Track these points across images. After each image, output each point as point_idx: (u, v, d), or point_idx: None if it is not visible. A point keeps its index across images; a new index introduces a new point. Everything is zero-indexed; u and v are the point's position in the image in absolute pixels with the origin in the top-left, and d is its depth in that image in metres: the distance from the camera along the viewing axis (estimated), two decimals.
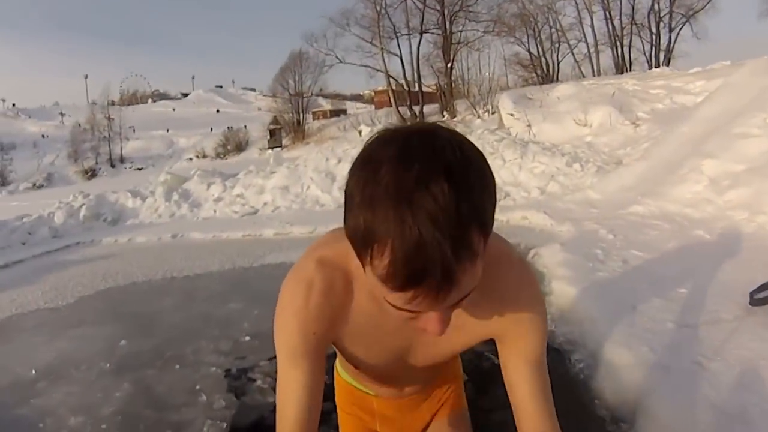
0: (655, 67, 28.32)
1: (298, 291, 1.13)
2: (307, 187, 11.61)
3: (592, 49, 34.99)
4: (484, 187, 0.83)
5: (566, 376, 3.30)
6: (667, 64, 29.76)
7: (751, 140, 6.43)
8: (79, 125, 47.92)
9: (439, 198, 0.76)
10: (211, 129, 52.18)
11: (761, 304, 3.23)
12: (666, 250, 5.03)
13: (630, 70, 30.93)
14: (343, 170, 12.07)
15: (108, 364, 4.15)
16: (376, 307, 1.10)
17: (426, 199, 0.76)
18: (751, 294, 3.33)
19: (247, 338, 4.39)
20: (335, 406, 1.79)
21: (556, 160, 10.21)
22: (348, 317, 1.16)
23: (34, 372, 4.11)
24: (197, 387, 3.61)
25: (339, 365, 1.70)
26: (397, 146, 0.82)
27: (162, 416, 3.30)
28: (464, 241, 0.79)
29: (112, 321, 5.26)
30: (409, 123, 0.95)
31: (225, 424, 3.14)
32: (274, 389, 3.45)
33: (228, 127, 49.89)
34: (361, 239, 0.82)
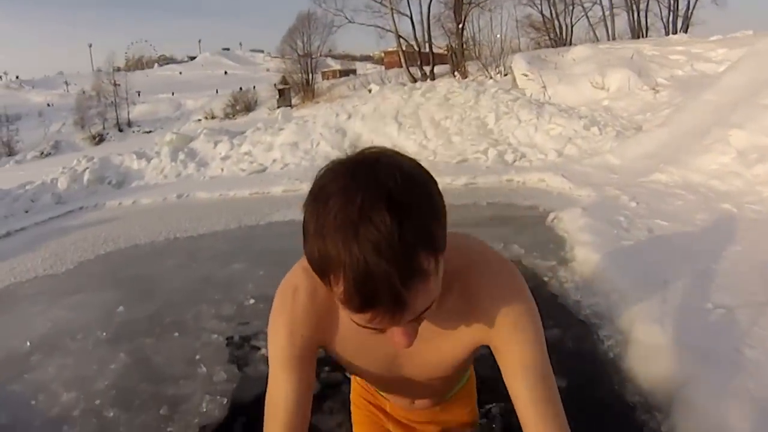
0: (673, 33, 27.59)
1: (285, 296, 1.19)
2: (317, 143, 11.29)
3: (607, 13, 33.80)
4: (430, 207, 0.88)
5: (594, 353, 3.06)
6: (685, 31, 28.83)
7: None
8: (83, 92, 47.36)
9: (381, 228, 0.81)
10: (217, 91, 51.53)
11: None
12: (693, 223, 4.71)
13: (646, 36, 30.09)
14: (354, 126, 11.79)
15: (104, 333, 3.92)
16: None
17: (370, 230, 0.81)
18: None
19: (252, 301, 4.17)
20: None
21: (573, 123, 9.84)
22: (334, 323, 1.20)
23: (28, 344, 3.88)
24: (197, 357, 3.38)
25: None
26: (344, 178, 0.87)
27: (158, 390, 3.06)
28: (411, 265, 0.84)
29: (111, 286, 5.02)
30: (356, 151, 0.98)
31: (225, 400, 2.91)
32: None
33: (240, 88, 49.34)
34: (318, 267, 0.88)
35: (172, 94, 54.10)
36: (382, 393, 1.64)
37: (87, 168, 11.05)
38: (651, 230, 4.56)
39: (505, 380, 1.15)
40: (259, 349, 3.39)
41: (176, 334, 3.74)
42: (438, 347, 1.22)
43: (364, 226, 0.81)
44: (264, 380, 2.90)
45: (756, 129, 5.99)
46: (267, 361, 3.10)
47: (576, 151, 8.92)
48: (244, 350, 3.42)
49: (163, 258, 5.76)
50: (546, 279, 4.10)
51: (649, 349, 2.79)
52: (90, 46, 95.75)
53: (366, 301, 0.84)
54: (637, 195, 5.68)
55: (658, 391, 2.56)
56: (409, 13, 34.57)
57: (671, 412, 2.39)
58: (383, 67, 49.04)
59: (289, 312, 1.17)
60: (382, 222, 0.81)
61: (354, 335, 1.17)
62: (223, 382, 3.06)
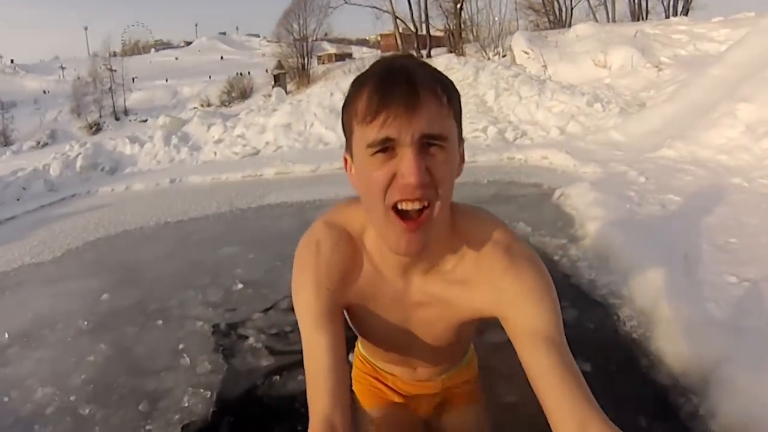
0: (673, 16, 27.11)
1: (308, 251, 1.22)
2: (311, 124, 11.11)
3: None
4: (451, 83, 1.07)
5: (615, 336, 2.80)
6: (686, 14, 28.62)
7: None
8: (78, 78, 46.44)
9: (409, 60, 1.04)
10: (210, 77, 50.85)
11: None
12: (706, 197, 4.55)
13: (646, 19, 29.72)
14: None
15: (86, 323, 3.64)
16: (377, 274, 1.23)
17: (399, 60, 1.04)
18: None
19: (240, 286, 3.91)
20: None
21: (575, 99, 9.61)
22: (355, 277, 1.23)
23: (6, 336, 3.59)
24: (180, 347, 3.11)
25: (359, 341, 1.70)
26: (379, 63, 1.06)
27: (138, 384, 2.79)
28: (430, 79, 1.00)
29: (97, 273, 4.74)
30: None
31: (209, 393, 2.63)
32: (267, 348, 3.00)
33: (237, 73, 48.71)
34: (349, 101, 1.06)
35: (166, 80, 53.31)
36: (383, 368, 1.65)
37: (80, 154, 10.78)
38: (664, 205, 4.41)
39: (518, 351, 1.09)
40: (246, 338, 3.12)
41: (160, 322, 3.47)
42: (448, 308, 1.22)
43: (395, 60, 1.04)
44: (252, 375, 2.70)
45: (764, 102, 5.91)
46: (255, 352, 2.84)
47: (579, 129, 8.72)
48: (231, 339, 3.15)
49: (152, 243, 5.53)
50: (557, 258, 3.86)
51: (676, 327, 2.58)
52: (86, 29, 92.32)
53: (383, 89, 0.97)
54: (646, 171, 5.54)
55: (691, 372, 2.34)
56: None
57: (708, 394, 2.18)
58: (379, 51, 48.51)
59: (313, 266, 1.20)
60: (412, 59, 1.06)
61: (369, 294, 1.24)
62: (207, 374, 2.79)
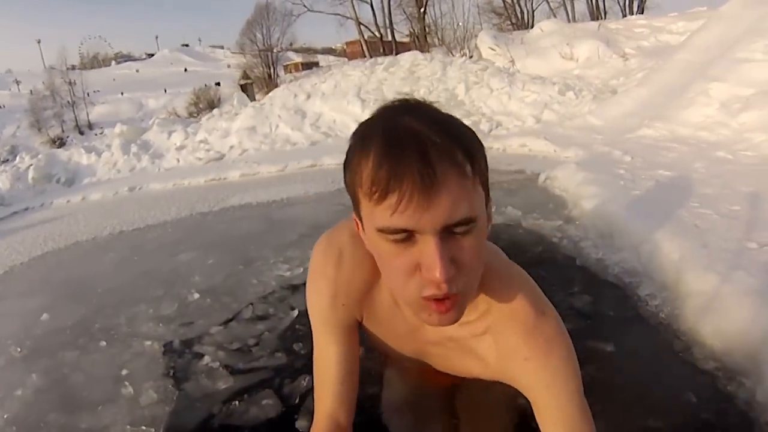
0: (630, 14, 28.00)
1: (329, 258, 1.15)
2: (276, 126, 10.74)
3: None
4: (467, 128, 0.90)
5: (639, 319, 2.39)
6: (641, 12, 29.57)
7: (755, 65, 6.26)
8: (31, 92, 44.91)
9: (418, 115, 0.87)
10: (165, 90, 50.06)
11: None
12: (695, 171, 4.42)
13: (605, 18, 30.32)
14: (314, 106, 11.26)
15: (19, 349, 3.05)
16: (394, 305, 1.14)
17: (406, 119, 0.85)
18: None
19: (197, 296, 3.37)
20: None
21: (547, 89, 9.40)
22: (373, 297, 1.16)
23: None
24: (123, 372, 2.53)
25: None
26: (384, 119, 0.89)
27: (70, 422, 2.22)
28: (447, 145, 0.82)
29: (39, 291, 4.17)
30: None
31: (152, 431, 2.08)
32: (226, 368, 2.44)
33: (205, 85, 47.96)
34: (353, 166, 0.88)
35: (122, 93, 52.03)
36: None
37: (31, 165, 10.08)
38: (657, 180, 4.25)
39: (539, 423, 1.05)
40: (202, 356, 2.57)
41: (103, 343, 2.90)
42: (466, 354, 1.15)
43: (403, 117, 0.86)
44: (209, 401, 2.15)
45: (735, 81, 6.20)
46: (213, 374, 2.27)
47: (554, 116, 8.51)
48: (184, 359, 2.60)
49: (104, 254, 4.94)
50: (556, 240, 3.50)
51: (708, 301, 2.25)
52: (39, 42, 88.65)
53: (395, 170, 0.80)
54: (630, 150, 5.46)
55: (736, 351, 1.97)
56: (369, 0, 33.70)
57: (765, 376, 1.77)
58: (346, 59, 48.34)
59: (332, 277, 1.15)
60: (422, 113, 0.88)
61: (385, 319, 1.17)
62: (152, 405, 2.23)
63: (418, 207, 0.79)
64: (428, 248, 0.82)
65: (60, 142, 41.57)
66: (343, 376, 1.12)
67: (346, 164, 0.91)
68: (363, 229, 0.95)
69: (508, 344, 1.07)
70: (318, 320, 1.17)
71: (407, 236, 0.84)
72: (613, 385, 1.87)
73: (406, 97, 0.92)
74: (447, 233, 0.83)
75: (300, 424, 1.94)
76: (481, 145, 0.90)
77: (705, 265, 2.50)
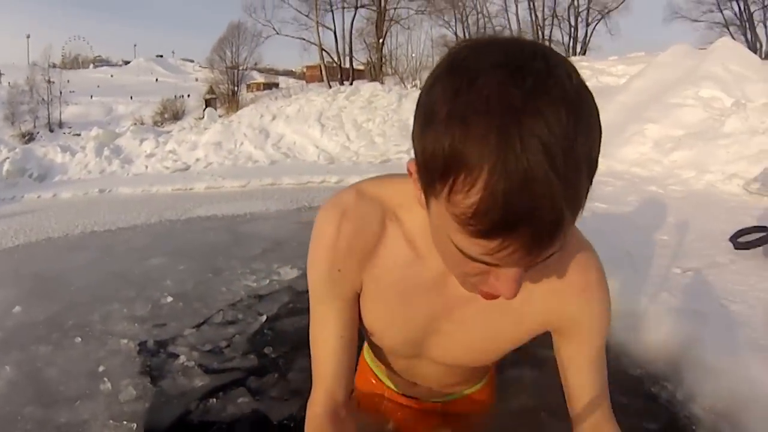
0: (573, 55, 29.27)
1: (331, 217, 0.91)
2: (241, 143, 10.69)
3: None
4: (598, 130, 0.59)
5: None
6: (584, 53, 31.02)
7: (686, 109, 6.55)
8: (10, 85, 43.12)
9: (555, 128, 0.53)
10: (131, 97, 48.94)
11: (746, 248, 3.04)
12: (628, 203, 4.62)
13: None
14: (278, 127, 11.24)
15: None
16: (413, 254, 0.89)
17: (540, 124, 0.52)
18: (732, 240, 3.14)
19: (169, 299, 3.32)
20: None
21: None
22: (377, 259, 0.91)
23: None
24: (100, 369, 2.47)
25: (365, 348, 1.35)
26: (503, 54, 0.56)
27: (48, 415, 2.14)
28: (576, 186, 0.56)
29: (10, 284, 3.96)
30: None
31: (134, 425, 2.03)
32: (201, 367, 2.43)
33: (174, 96, 47.08)
34: (442, 164, 0.57)
35: (92, 97, 50.43)
36: (388, 383, 1.30)
37: (7, 158, 9.71)
38: (593, 212, 4.35)
39: (561, 366, 0.97)
40: (177, 356, 2.54)
41: (78, 339, 2.82)
42: (497, 311, 0.91)
43: (531, 117, 0.52)
44: (184, 398, 2.12)
45: (668, 123, 6.50)
46: (188, 372, 2.25)
47: None
48: (159, 358, 2.56)
49: (76, 252, 4.77)
50: None
51: (636, 319, 2.48)
52: (28, 37, 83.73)
53: (510, 221, 0.55)
54: None
55: (659, 360, 2.22)
56: (333, 27, 33.95)
57: (683, 379, 2.05)
58: (305, 82, 48.21)
59: (331, 237, 0.91)
60: (558, 121, 0.53)
61: (394, 282, 0.92)
62: (131, 401, 2.19)
63: (523, 257, 0.60)
64: (505, 275, 0.66)
65: (29, 137, 39.91)
66: (341, 352, 0.97)
67: (427, 134, 0.59)
68: (427, 208, 0.67)
69: (561, 274, 0.89)
70: (314, 290, 0.99)
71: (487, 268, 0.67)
72: (549, 386, 1.95)
73: (527, 46, 0.59)
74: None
75: (272, 418, 2.02)
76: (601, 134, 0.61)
77: (634, 289, 2.68)
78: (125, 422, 2.05)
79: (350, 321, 0.98)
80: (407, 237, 0.90)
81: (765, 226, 3.15)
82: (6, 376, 2.48)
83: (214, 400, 2.16)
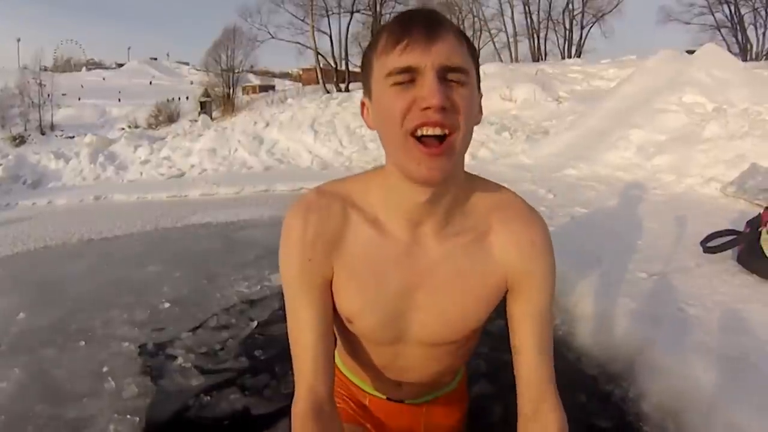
0: (568, 58, 29.33)
1: (296, 213, 1.07)
2: (235, 149, 10.91)
3: (511, 39, 35.28)
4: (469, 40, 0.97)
5: None
6: (579, 56, 31.07)
7: (670, 115, 6.68)
8: (0, 89, 43.10)
9: (425, 11, 0.94)
10: (119, 100, 48.90)
11: (714, 252, 3.18)
12: (609, 207, 4.81)
13: (545, 60, 31.41)
14: (271, 134, 11.46)
15: None
16: (377, 232, 1.06)
17: (420, 8, 1.01)
18: (702, 244, 3.26)
19: (167, 305, 3.57)
20: None
21: (485, 128, 9.77)
22: (345, 244, 1.06)
23: None
24: (104, 369, 2.74)
25: (337, 353, 1.34)
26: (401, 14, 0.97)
27: (57, 412, 2.40)
28: (445, 20, 0.93)
29: (12, 291, 4.20)
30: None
31: (137, 419, 2.30)
32: (197, 368, 2.69)
33: (168, 99, 47.01)
34: (371, 45, 0.97)
35: (79, 99, 50.49)
36: (365, 387, 1.37)
37: (0, 165, 9.89)
38: (573, 217, 4.53)
39: (511, 319, 1.10)
40: (175, 357, 2.81)
41: (82, 343, 3.08)
42: (458, 283, 1.06)
43: (412, 11, 0.95)
44: (182, 395, 2.38)
45: (652, 128, 6.61)
46: (185, 372, 2.52)
47: (489, 154, 8.87)
48: (159, 359, 2.83)
49: (74, 260, 5.00)
50: None
51: (598, 321, 2.71)
52: (18, 40, 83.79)
53: (404, 21, 0.91)
54: (553, 188, 5.69)
55: (617, 360, 2.43)
56: (329, 32, 34.24)
57: (635, 378, 2.26)
58: (301, 84, 48.32)
59: (298, 235, 1.06)
60: (429, 11, 0.94)
61: (364, 261, 1.06)
62: (134, 398, 2.46)
63: (423, 48, 0.87)
64: (427, 81, 0.86)
65: (20, 140, 39.87)
66: (318, 344, 1.04)
67: (365, 52, 0.99)
68: (370, 101, 0.98)
69: (515, 231, 1.07)
70: (287, 286, 1.08)
71: (410, 78, 0.88)
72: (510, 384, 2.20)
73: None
74: (444, 78, 0.88)
75: (263, 414, 2.29)
76: (476, 50, 0.99)
77: (598, 293, 2.90)
78: (128, 416, 2.32)
79: (324, 311, 1.06)
80: (368, 219, 1.06)
81: (735, 230, 3.29)
82: (16, 378, 2.73)
83: (209, 397, 2.43)
